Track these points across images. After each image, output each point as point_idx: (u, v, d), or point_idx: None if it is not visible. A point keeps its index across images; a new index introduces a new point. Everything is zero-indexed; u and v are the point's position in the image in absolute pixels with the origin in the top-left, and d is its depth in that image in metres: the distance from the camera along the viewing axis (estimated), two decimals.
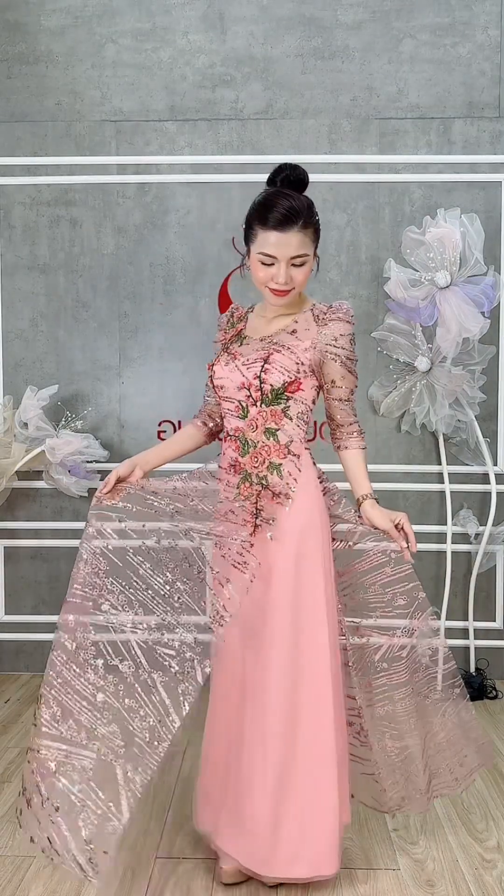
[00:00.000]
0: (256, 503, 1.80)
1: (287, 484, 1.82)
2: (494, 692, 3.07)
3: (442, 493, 3.17)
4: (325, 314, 1.86)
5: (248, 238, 1.83)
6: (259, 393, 1.82)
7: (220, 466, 1.93)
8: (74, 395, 3.25)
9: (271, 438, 1.82)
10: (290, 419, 1.84)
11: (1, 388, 3.25)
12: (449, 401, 3.00)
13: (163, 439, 3.24)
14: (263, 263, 1.79)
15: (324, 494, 1.90)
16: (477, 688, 3.04)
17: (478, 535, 3.12)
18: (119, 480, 1.90)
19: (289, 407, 1.83)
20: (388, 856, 2.00)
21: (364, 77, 3.16)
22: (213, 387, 1.92)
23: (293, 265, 1.78)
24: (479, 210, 3.09)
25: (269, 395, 1.82)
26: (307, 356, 1.83)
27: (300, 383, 1.84)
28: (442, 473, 3.15)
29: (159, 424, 3.24)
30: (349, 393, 1.89)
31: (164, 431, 3.23)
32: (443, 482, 3.14)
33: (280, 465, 1.82)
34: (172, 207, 3.21)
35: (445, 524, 3.14)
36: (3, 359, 3.27)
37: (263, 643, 1.80)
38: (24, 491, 3.26)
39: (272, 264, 1.78)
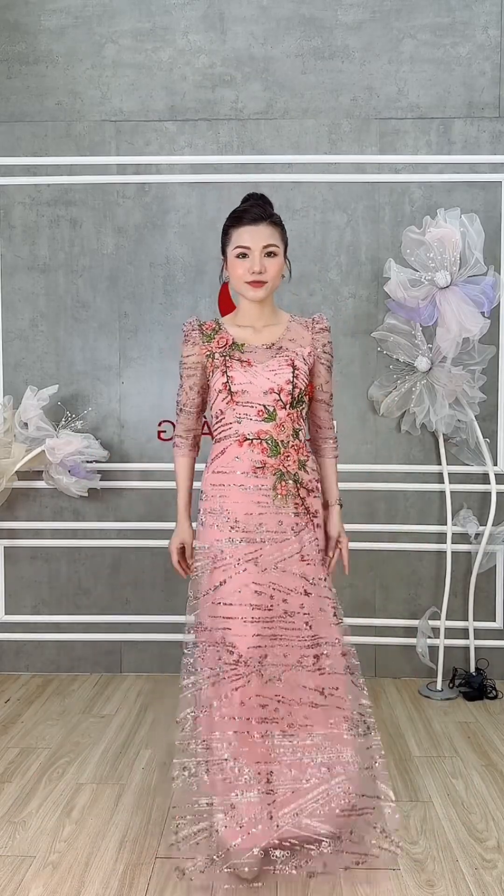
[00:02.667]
0: (302, 501, 1.97)
1: (314, 478, 2.03)
2: (494, 692, 3.07)
3: (442, 493, 3.17)
4: (313, 324, 2.09)
5: (225, 244, 2.03)
6: (290, 397, 1.97)
7: (224, 472, 1.98)
8: (74, 395, 3.25)
9: (296, 438, 1.99)
10: (304, 420, 2.05)
11: (1, 388, 3.25)
12: (449, 401, 3.00)
13: (163, 439, 3.24)
14: (239, 257, 1.98)
15: None
16: (477, 688, 3.05)
17: (478, 535, 3.12)
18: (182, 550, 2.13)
19: (304, 408, 2.05)
20: (388, 856, 2.00)
21: (364, 77, 3.16)
22: (230, 393, 1.97)
23: (266, 255, 1.97)
24: (479, 210, 3.09)
25: (297, 398, 1.99)
26: (310, 361, 2.04)
27: (311, 386, 2.08)
28: (442, 473, 3.15)
29: (159, 424, 3.24)
30: (330, 398, 2.14)
31: (164, 431, 3.23)
32: (443, 482, 3.14)
33: (306, 461, 2.00)
34: (172, 207, 3.21)
35: (445, 524, 3.14)
36: (3, 359, 3.27)
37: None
38: (24, 491, 3.26)
39: (247, 256, 1.97)
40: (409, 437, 3.20)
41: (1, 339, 3.26)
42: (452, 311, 2.84)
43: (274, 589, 1.92)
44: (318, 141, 3.18)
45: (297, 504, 1.96)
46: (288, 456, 1.95)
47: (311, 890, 1.86)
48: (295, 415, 1.98)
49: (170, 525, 3.21)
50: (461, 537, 3.17)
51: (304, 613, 1.94)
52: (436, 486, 3.20)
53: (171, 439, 3.22)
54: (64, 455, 3.00)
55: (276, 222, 2.01)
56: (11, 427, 3.08)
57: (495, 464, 3.16)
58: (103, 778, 2.41)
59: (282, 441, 1.96)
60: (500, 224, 3.15)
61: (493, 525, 3.09)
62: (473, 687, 3.05)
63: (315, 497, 2.01)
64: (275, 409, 1.96)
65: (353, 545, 3.18)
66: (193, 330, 2.06)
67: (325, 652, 1.95)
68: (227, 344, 2.02)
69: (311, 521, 1.99)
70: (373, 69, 3.16)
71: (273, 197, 2.15)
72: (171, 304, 3.23)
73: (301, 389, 1.99)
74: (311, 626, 1.93)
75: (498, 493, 3.12)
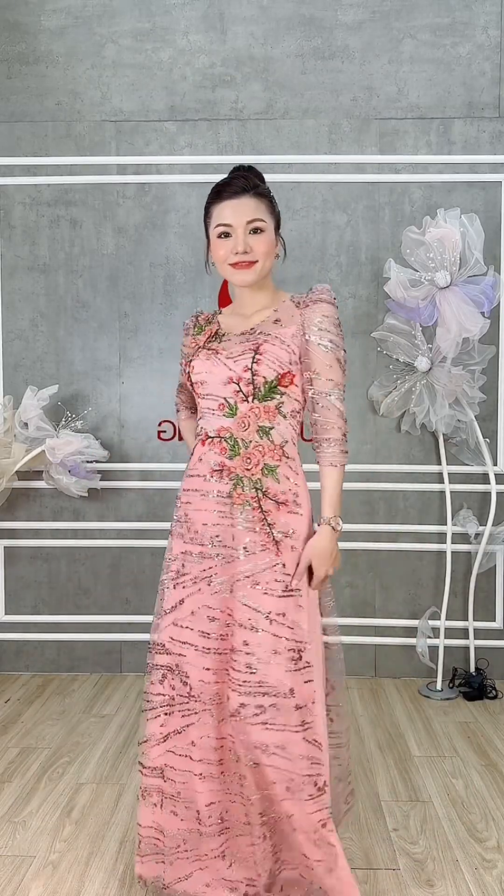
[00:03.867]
0: (265, 515, 1.65)
1: (289, 489, 1.67)
2: (494, 692, 3.07)
3: (442, 493, 3.17)
4: (306, 298, 1.74)
5: (207, 225, 1.77)
6: (251, 387, 1.66)
7: (190, 475, 1.74)
8: (74, 395, 3.25)
9: (265, 438, 1.66)
10: (284, 417, 1.69)
11: (1, 388, 3.25)
12: (449, 401, 3.00)
13: (162, 439, 3.24)
14: (221, 237, 1.71)
15: None
16: (477, 688, 3.05)
17: (478, 535, 3.12)
18: None
19: (283, 403, 1.68)
20: (388, 856, 2.00)
21: (364, 77, 3.16)
22: (192, 384, 1.75)
23: (251, 233, 1.68)
24: (479, 210, 3.09)
25: (263, 388, 1.66)
26: (296, 343, 1.68)
27: (293, 376, 1.69)
28: (442, 473, 3.15)
29: (159, 424, 3.24)
30: (335, 387, 1.67)
31: (164, 431, 3.23)
32: (443, 482, 3.14)
33: (276, 468, 1.66)
34: (172, 207, 3.21)
35: (445, 524, 3.14)
36: (3, 359, 3.27)
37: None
38: (24, 491, 3.26)
39: (230, 235, 1.70)
40: (409, 437, 3.20)
41: (1, 339, 3.26)
42: (452, 311, 2.84)
43: (227, 615, 1.65)
44: (318, 141, 3.18)
45: (256, 518, 1.64)
46: (249, 458, 1.65)
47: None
48: (261, 409, 1.66)
49: (169, 525, 3.23)
50: (461, 537, 3.17)
51: (247, 653, 1.61)
52: (436, 486, 3.20)
53: (170, 439, 3.24)
54: (64, 455, 3.00)
55: (263, 193, 1.72)
56: (11, 427, 3.08)
57: (495, 464, 3.16)
58: (103, 778, 2.41)
59: (243, 440, 1.66)
60: (500, 224, 3.15)
61: (493, 525, 3.09)
62: (473, 687, 3.05)
63: (290, 512, 1.66)
64: (236, 403, 1.67)
65: (353, 545, 3.22)
66: (190, 321, 1.87)
67: (272, 703, 1.59)
68: (211, 334, 1.79)
69: (276, 542, 1.64)
70: (373, 69, 3.16)
71: None
72: (171, 304, 3.23)
73: (266, 379, 1.65)
74: (254, 671, 1.60)
75: (498, 493, 3.12)
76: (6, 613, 3.31)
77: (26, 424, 3.06)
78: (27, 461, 3.06)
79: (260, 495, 1.65)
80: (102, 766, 2.49)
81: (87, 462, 3.07)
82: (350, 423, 3.20)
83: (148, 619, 3.27)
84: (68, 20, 3.19)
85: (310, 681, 1.63)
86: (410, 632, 3.21)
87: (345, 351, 1.71)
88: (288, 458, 1.69)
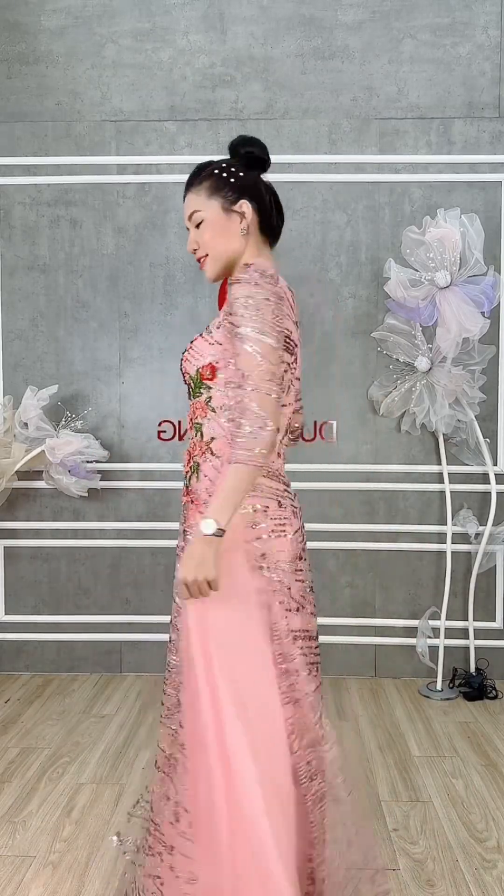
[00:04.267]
0: (184, 515, 1.59)
1: (206, 488, 1.54)
2: (494, 692, 3.07)
3: (442, 493, 3.17)
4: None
5: None
6: (186, 385, 1.63)
7: None
8: (74, 395, 3.25)
9: (197, 434, 1.58)
10: (214, 411, 1.55)
11: (1, 388, 3.25)
12: (449, 401, 3.00)
13: (162, 439, 3.24)
14: None
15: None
16: (477, 688, 3.05)
17: (478, 535, 3.12)
18: None
19: (210, 398, 1.55)
20: (388, 856, 2.00)
21: (364, 77, 3.16)
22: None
23: (196, 228, 1.61)
24: (479, 210, 3.09)
25: (193, 384, 1.58)
26: (221, 332, 1.53)
27: (215, 368, 1.54)
28: (442, 473, 3.15)
29: (159, 424, 3.24)
30: (242, 378, 1.44)
31: (164, 431, 3.23)
32: (443, 482, 3.14)
33: (199, 465, 1.56)
34: (172, 207, 3.21)
35: (445, 524, 3.14)
36: (3, 359, 3.27)
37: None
38: (24, 491, 3.26)
39: None
40: (409, 437, 3.20)
41: (1, 339, 3.26)
42: (452, 311, 2.84)
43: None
44: (318, 141, 3.18)
45: (183, 517, 1.60)
46: (186, 455, 1.61)
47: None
48: (195, 405, 1.58)
49: (169, 525, 3.24)
50: (461, 537, 3.17)
51: (170, 650, 1.61)
52: (436, 486, 3.20)
53: (170, 439, 3.24)
54: (64, 455, 3.00)
55: (199, 182, 1.61)
56: (11, 427, 3.08)
57: (495, 464, 3.16)
58: (103, 778, 2.41)
59: (188, 439, 1.62)
60: (500, 224, 3.15)
61: (493, 525, 3.09)
62: (473, 687, 3.05)
63: (200, 512, 1.53)
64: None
65: (353, 545, 3.22)
66: None
67: (186, 708, 1.49)
68: None
69: (184, 542, 1.58)
70: (373, 69, 3.16)
71: None
72: (171, 304, 3.23)
73: (190, 374, 1.58)
74: (171, 669, 1.58)
75: (498, 493, 3.11)
76: (6, 613, 3.31)
77: (26, 424, 3.06)
78: (27, 461, 3.06)
79: (188, 494, 1.59)
80: (102, 766, 2.49)
81: (87, 462, 3.07)
82: (350, 423, 3.22)
83: (148, 619, 3.27)
84: (68, 20, 3.19)
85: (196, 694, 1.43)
86: (410, 632, 3.21)
87: (262, 335, 1.44)
88: (213, 455, 1.54)
